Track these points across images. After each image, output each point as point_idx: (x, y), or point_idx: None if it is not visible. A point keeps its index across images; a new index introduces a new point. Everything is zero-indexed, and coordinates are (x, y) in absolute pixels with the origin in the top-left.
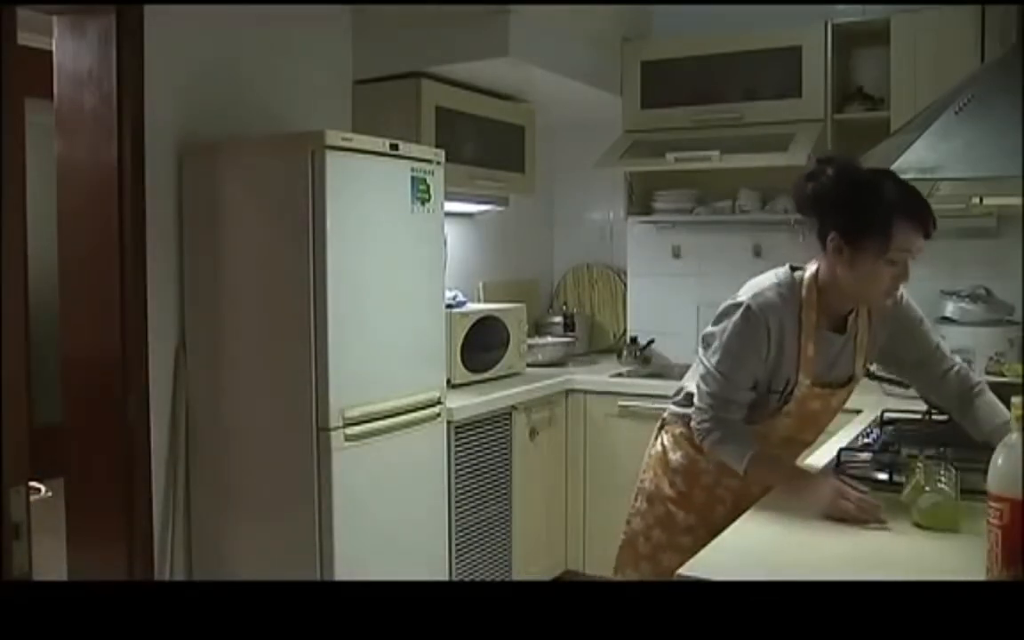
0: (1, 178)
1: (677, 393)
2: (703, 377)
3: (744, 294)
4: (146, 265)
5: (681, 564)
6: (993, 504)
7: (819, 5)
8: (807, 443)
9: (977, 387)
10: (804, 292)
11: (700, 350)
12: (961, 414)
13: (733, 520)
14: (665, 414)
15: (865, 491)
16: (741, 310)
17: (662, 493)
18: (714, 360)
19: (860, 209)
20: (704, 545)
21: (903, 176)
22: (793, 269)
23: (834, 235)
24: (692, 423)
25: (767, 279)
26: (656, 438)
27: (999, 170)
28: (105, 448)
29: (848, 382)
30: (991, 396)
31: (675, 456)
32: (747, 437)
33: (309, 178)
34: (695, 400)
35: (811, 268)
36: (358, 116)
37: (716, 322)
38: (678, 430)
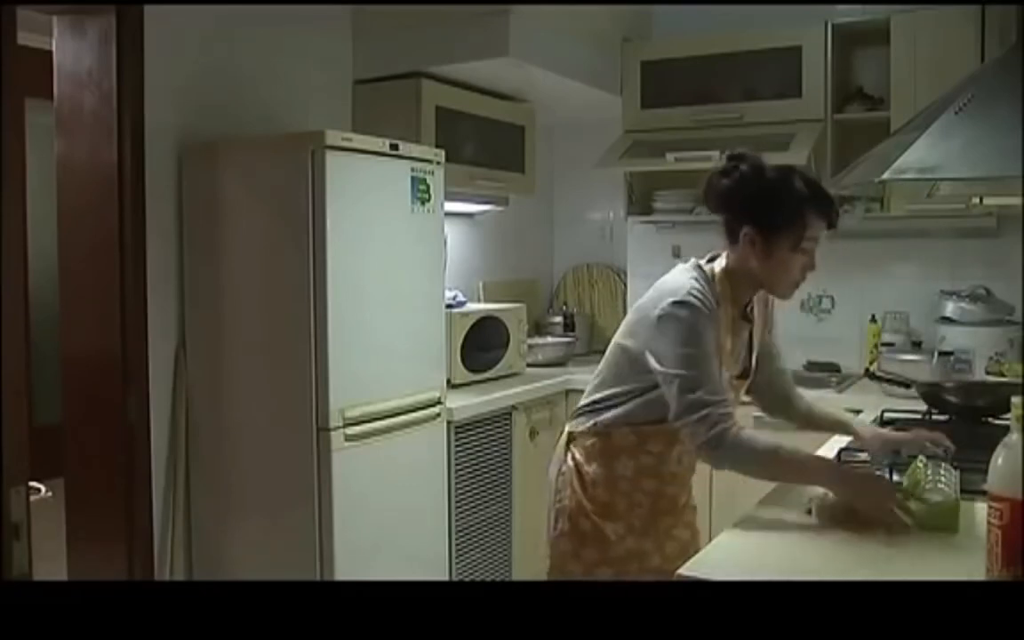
0: (1, 178)
1: (581, 409)
2: (681, 391)
3: (671, 292)
4: (146, 265)
5: (618, 578)
6: (993, 504)
7: (819, 5)
8: None
9: (792, 388)
10: (717, 284)
11: (654, 363)
12: (780, 406)
13: (653, 522)
14: (570, 427)
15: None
16: (689, 308)
17: (584, 509)
18: (682, 366)
19: (775, 202)
20: (636, 552)
21: (903, 176)
22: (698, 263)
23: (748, 228)
24: (694, 444)
25: (687, 276)
26: (565, 455)
27: (999, 170)
28: (105, 448)
29: (747, 374)
30: (801, 394)
31: (590, 468)
32: (757, 443)
33: (309, 178)
34: (682, 422)
35: (719, 261)
36: (358, 116)
37: (663, 328)
38: (589, 442)
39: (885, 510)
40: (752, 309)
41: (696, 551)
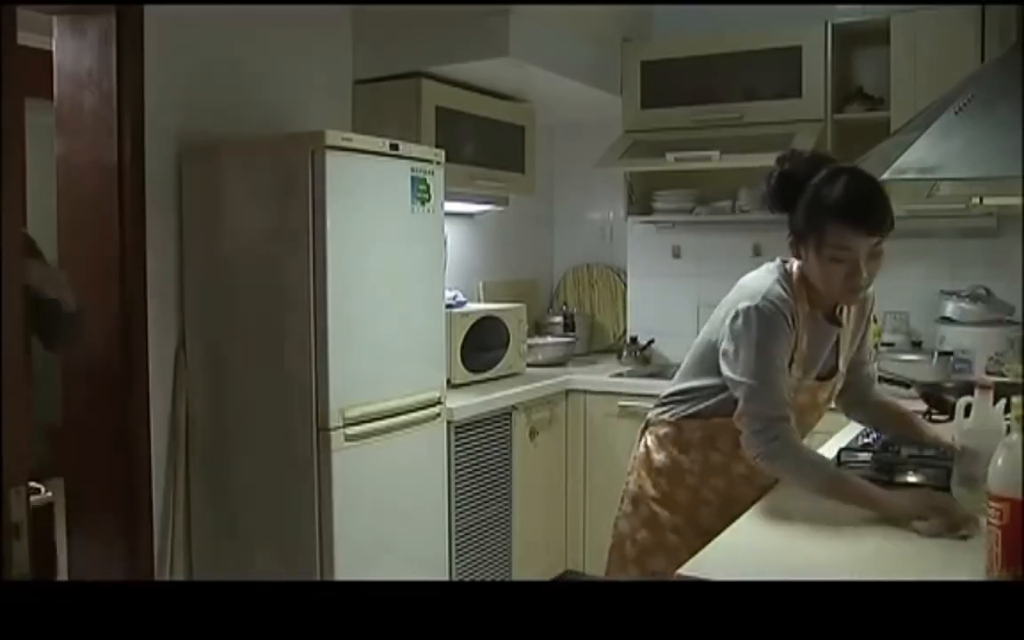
0: (1, 178)
1: (662, 399)
2: (744, 398)
3: (749, 294)
4: (146, 265)
5: (668, 565)
6: (993, 504)
7: (819, 5)
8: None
9: (875, 388)
10: (796, 284)
11: (724, 366)
12: (863, 409)
13: (721, 521)
14: (649, 415)
15: (952, 502)
16: (760, 311)
17: (646, 494)
18: (749, 372)
19: (799, 206)
20: (692, 546)
21: (903, 176)
22: (784, 262)
23: (788, 232)
24: (750, 452)
25: (765, 275)
26: (640, 440)
27: (999, 170)
28: (105, 448)
29: (832, 375)
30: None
31: (659, 457)
32: (814, 456)
33: (309, 178)
34: (743, 428)
35: (797, 261)
36: (358, 116)
37: (734, 332)
38: (662, 431)
39: (947, 526)
40: (842, 311)
41: None
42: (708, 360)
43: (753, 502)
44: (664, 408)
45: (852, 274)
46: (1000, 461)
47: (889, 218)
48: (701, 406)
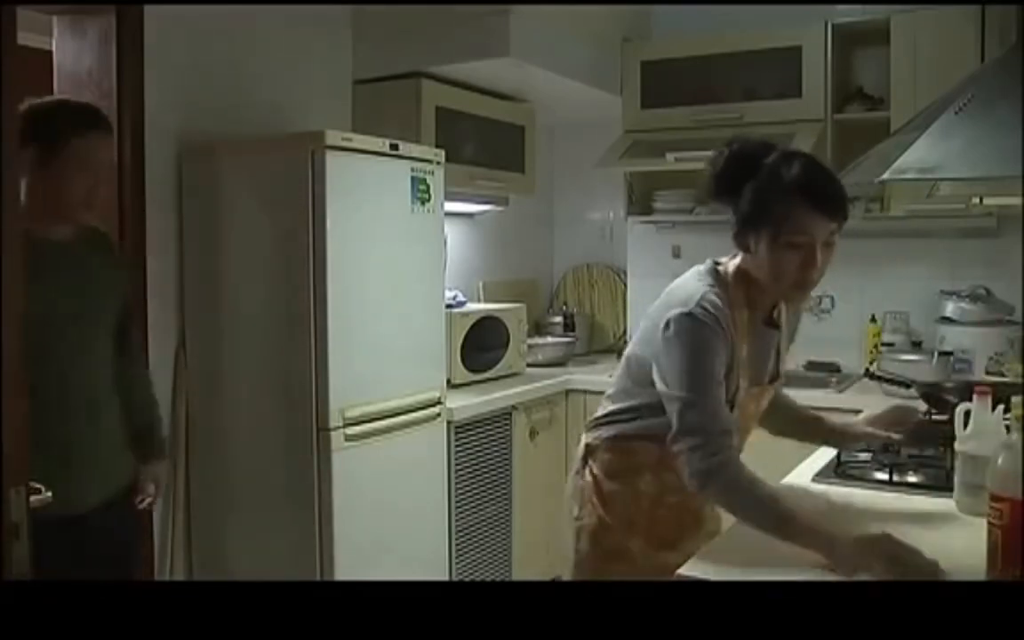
0: (1, 178)
1: (600, 419)
2: (678, 414)
3: (680, 301)
4: (146, 265)
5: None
6: (993, 504)
7: (819, 5)
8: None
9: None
10: (730, 287)
11: (657, 379)
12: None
13: (680, 536)
14: (588, 441)
15: (914, 550)
16: (693, 318)
17: (606, 525)
18: (683, 386)
19: (752, 187)
20: (663, 568)
21: (903, 176)
22: (716, 263)
23: (733, 220)
24: (685, 473)
25: (696, 280)
26: (583, 469)
27: (999, 170)
28: None
29: (774, 380)
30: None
31: (611, 485)
32: (759, 485)
33: (309, 178)
34: (679, 446)
35: (734, 261)
36: (358, 116)
37: (665, 342)
38: (608, 457)
39: (881, 571)
40: (779, 314)
41: None
42: (641, 376)
43: (707, 510)
44: (605, 428)
45: (807, 264)
46: (1000, 461)
47: (847, 205)
48: (647, 423)
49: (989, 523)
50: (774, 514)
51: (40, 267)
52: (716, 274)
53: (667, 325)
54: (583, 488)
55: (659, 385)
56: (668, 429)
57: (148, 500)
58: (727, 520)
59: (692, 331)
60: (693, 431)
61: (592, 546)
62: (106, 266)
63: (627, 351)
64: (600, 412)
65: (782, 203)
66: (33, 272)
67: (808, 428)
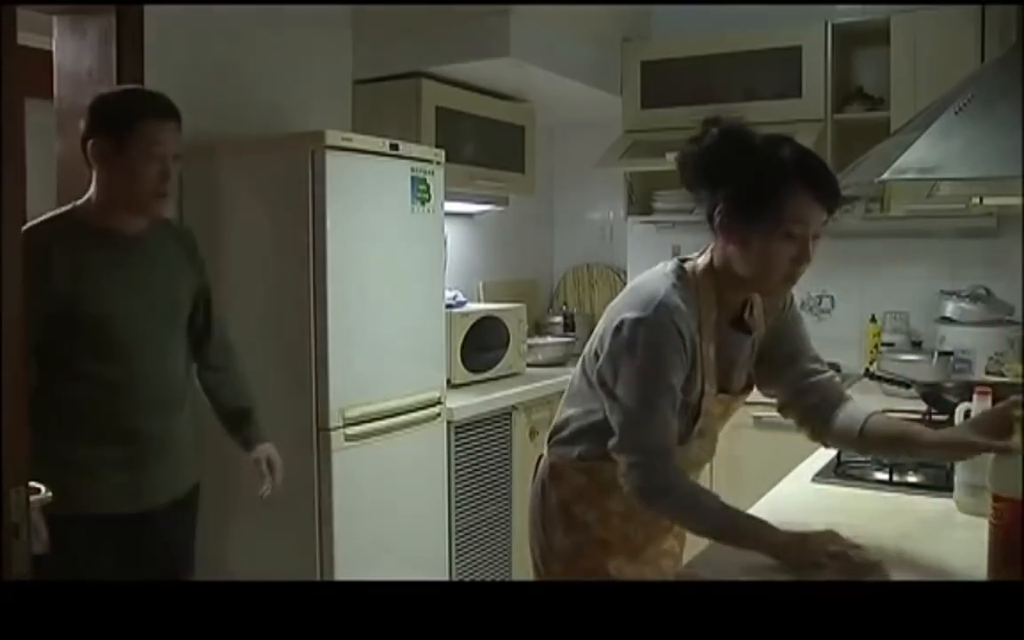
0: (1, 178)
1: (562, 433)
2: (622, 426)
3: (639, 303)
4: None
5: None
6: (994, 504)
7: (819, 5)
8: (704, 465)
9: (844, 397)
10: (698, 286)
11: (601, 394)
12: (821, 420)
13: (651, 545)
14: (551, 460)
15: (858, 546)
16: (648, 324)
17: (581, 550)
18: (630, 396)
19: (750, 173)
20: (641, 575)
21: (903, 176)
22: (682, 261)
23: (720, 207)
24: (626, 487)
25: (657, 278)
26: (550, 490)
27: (999, 170)
28: None
29: (746, 388)
30: (854, 406)
31: (579, 509)
32: (702, 496)
33: (309, 178)
34: (619, 458)
35: (703, 257)
36: (358, 116)
37: (615, 346)
38: (576, 480)
39: (847, 573)
40: (753, 313)
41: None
42: (594, 379)
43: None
44: (568, 446)
45: (801, 256)
46: (999, 461)
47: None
48: (601, 438)
49: (989, 523)
50: (718, 523)
51: (113, 261)
52: (682, 272)
53: (620, 328)
54: (551, 511)
55: (600, 390)
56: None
57: (270, 485)
58: None
59: (646, 339)
60: (635, 448)
61: (567, 570)
62: (180, 259)
63: (586, 348)
64: (559, 421)
65: (783, 191)
66: (106, 266)
67: (898, 445)
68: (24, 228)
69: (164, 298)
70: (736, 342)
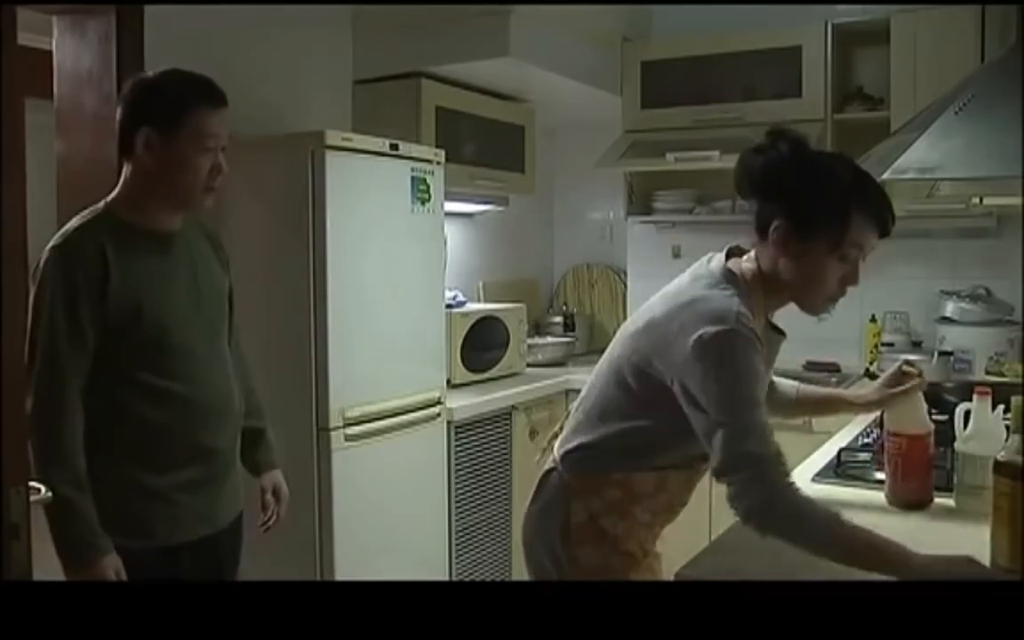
0: (1, 178)
1: (593, 451)
2: (728, 443)
3: (714, 315)
4: None
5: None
6: (893, 438)
7: (819, 5)
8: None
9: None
10: (751, 292)
11: (690, 403)
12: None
13: (651, 548)
14: (576, 477)
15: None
16: (739, 339)
17: (609, 563)
18: (728, 411)
19: (815, 192)
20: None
21: (903, 176)
22: (728, 268)
23: (779, 223)
24: (740, 506)
25: (727, 295)
26: (576, 507)
27: (999, 170)
28: None
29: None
30: (785, 380)
31: (609, 521)
32: (826, 512)
33: (309, 178)
34: (728, 480)
35: (748, 263)
36: (358, 116)
37: (705, 363)
38: (609, 495)
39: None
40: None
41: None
42: (642, 395)
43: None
44: (591, 458)
45: (850, 276)
46: (898, 405)
47: None
48: (650, 450)
49: (888, 453)
50: (843, 539)
51: (160, 262)
52: (734, 279)
53: (704, 342)
54: (579, 528)
55: (692, 411)
56: (675, 457)
57: (274, 518)
58: (702, 508)
59: (738, 350)
60: (748, 462)
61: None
62: (213, 257)
63: (620, 359)
64: (589, 440)
65: (848, 215)
66: (159, 268)
67: (818, 406)
68: (66, 231)
69: (211, 300)
70: (775, 343)
